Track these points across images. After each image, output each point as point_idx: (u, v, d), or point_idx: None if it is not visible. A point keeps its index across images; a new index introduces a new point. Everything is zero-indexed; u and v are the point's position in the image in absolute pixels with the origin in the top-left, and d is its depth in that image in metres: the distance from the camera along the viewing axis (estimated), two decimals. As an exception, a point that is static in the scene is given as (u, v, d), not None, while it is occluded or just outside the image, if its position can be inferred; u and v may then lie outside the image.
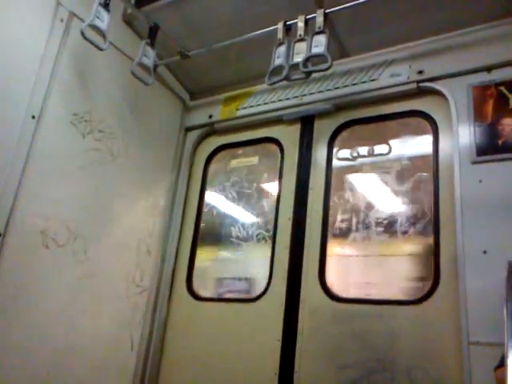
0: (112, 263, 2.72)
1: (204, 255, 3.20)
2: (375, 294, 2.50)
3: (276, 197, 2.96)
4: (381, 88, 2.72)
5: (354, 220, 2.67)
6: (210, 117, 3.35)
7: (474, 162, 2.28)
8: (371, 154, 2.77)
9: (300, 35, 2.50)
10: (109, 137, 2.74)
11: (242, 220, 3.15)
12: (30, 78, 2.29)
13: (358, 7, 2.46)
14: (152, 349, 2.92)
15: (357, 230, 2.65)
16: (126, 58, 2.84)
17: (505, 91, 2.33)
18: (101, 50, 2.49)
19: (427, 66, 2.59)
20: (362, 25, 2.72)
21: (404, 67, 2.66)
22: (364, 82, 2.77)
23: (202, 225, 3.24)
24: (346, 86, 2.83)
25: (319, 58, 2.42)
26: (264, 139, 3.18)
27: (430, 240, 2.38)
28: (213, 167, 3.38)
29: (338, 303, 2.49)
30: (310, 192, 2.80)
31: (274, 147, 3.12)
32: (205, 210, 3.29)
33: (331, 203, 2.75)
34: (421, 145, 2.67)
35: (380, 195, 2.73)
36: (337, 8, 2.47)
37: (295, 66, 2.46)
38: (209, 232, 3.28)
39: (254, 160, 3.25)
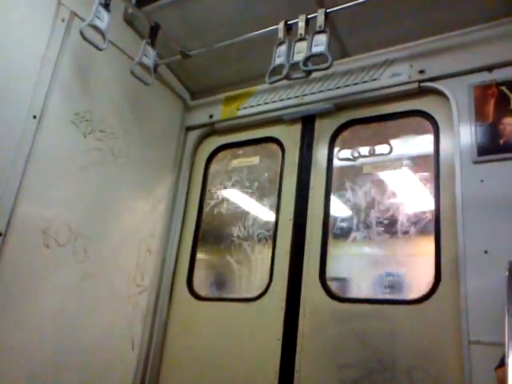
0: (113, 263, 2.72)
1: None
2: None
3: (277, 196, 2.95)
4: (382, 88, 2.71)
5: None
6: (211, 116, 3.35)
7: (476, 162, 2.28)
8: (372, 153, 2.77)
9: (301, 34, 2.50)
10: (110, 136, 2.74)
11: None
12: (31, 77, 2.30)
13: (358, 7, 2.46)
14: (153, 348, 2.92)
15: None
16: (126, 58, 2.85)
17: (506, 91, 2.33)
18: (100, 50, 2.50)
19: (428, 66, 2.59)
20: (363, 24, 2.72)
21: (405, 67, 2.66)
22: (365, 82, 2.77)
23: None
24: (346, 86, 2.83)
25: (320, 57, 2.42)
26: (265, 139, 3.18)
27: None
28: (213, 167, 3.38)
29: (339, 303, 2.49)
30: (310, 192, 2.80)
31: (275, 147, 3.12)
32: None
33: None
34: (422, 145, 2.67)
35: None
36: (338, 7, 2.47)
37: (296, 66, 2.46)
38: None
39: (255, 160, 3.26)
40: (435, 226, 2.38)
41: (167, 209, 3.19)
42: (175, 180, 3.28)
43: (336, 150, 2.87)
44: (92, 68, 2.66)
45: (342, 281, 2.77)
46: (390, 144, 2.73)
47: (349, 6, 2.45)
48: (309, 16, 2.51)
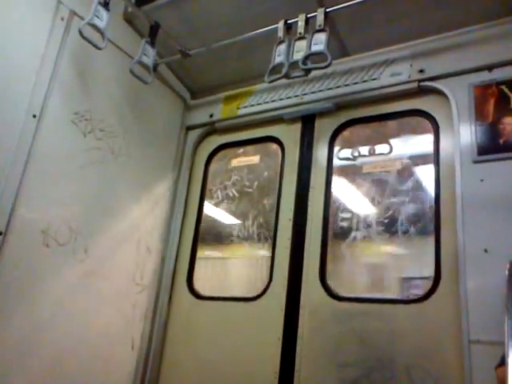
0: (112, 262, 2.72)
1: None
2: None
3: (277, 196, 2.95)
4: (382, 87, 2.71)
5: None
6: (211, 116, 3.35)
7: (475, 162, 2.28)
8: (372, 153, 2.77)
9: (300, 33, 2.50)
10: (110, 136, 2.74)
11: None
12: (30, 77, 2.29)
13: (358, 6, 2.46)
14: (152, 348, 2.92)
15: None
16: (126, 57, 2.84)
17: (506, 90, 2.33)
18: (99, 49, 2.49)
19: (428, 65, 2.59)
20: (363, 24, 2.72)
21: (405, 66, 2.66)
22: (365, 81, 2.77)
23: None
24: (346, 85, 2.83)
25: (319, 56, 2.42)
26: (265, 138, 3.18)
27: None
28: (213, 166, 3.38)
29: (339, 302, 2.49)
30: (310, 191, 2.80)
31: (275, 146, 3.12)
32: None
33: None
34: (422, 144, 2.67)
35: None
36: (337, 7, 2.47)
37: (295, 64, 2.46)
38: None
39: (255, 159, 3.26)
40: (435, 224, 2.38)
41: (167, 208, 3.19)
42: (175, 179, 3.28)
43: (336, 149, 2.87)
44: (92, 67, 2.66)
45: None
46: (389, 143, 2.73)
47: (348, 6, 2.46)
48: (308, 15, 2.51)
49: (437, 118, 2.56)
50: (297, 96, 3.00)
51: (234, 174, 3.31)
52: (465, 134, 2.35)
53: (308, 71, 2.50)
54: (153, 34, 2.86)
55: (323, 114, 2.93)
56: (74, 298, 2.46)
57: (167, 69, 3.27)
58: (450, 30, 2.56)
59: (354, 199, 2.84)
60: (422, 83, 2.59)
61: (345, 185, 2.88)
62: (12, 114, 2.20)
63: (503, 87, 2.34)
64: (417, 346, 2.20)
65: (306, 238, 2.70)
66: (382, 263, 2.81)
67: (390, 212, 2.63)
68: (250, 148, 3.30)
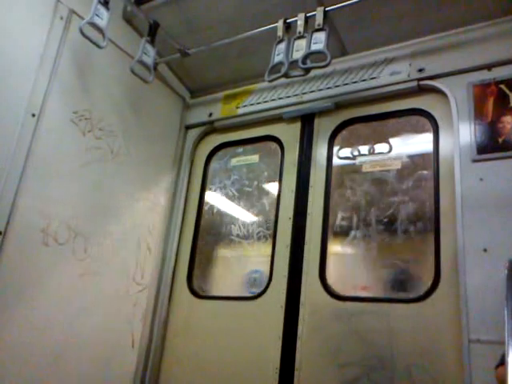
0: (112, 261, 2.72)
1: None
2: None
3: (276, 195, 2.95)
4: (381, 86, 2.71)
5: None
6: (211, 115, 3.35)
7: (475, 161, 2.28)
8: (372, 152, 2.77)
9: (300, 32, 2.49)
10: (109, 135, 2.74)
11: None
12: (29, 76, 2.29)
13: (358, 5, 2.46)
14: (153, 346, 2.92)
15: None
16: (126, 56, 2.84)
17: (505, 89, 2.33)
18: (99, 47, 2.49)
19: (427, 64, 2.59)
20: (362, 23, 2.71)
21: (404, 65, 2.66)
22: (364, 80, 2.77)
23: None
24: (346, 84, 2.83)
25: (319, 55, 2.42)
26: (264, 137, 3.18)
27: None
28: (213, 165, 3.38)
29: (339, 301, 2.49)
30: (310, 190, 2.80)
31: (275, 145, 3.12)
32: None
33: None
34: (421, 143, 2.67)
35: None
36: (337, 6, 2.47)
37: (295, 63, 2.45)
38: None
39: (255, 158, 3.25)
40: (435, 224, 2.38)
41: (167, 207, 3.19)
42: (175, 178, 3.28)
43: (336, 148, 2.87)
44: (91, 66, 2.65)
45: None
46: (389, 142, 2.73)
47: (348, 5, 2.45)
48: (308, 14, 2.51)
49: (436, 117, 2.56)
50: (296, 95, 3.00)
51: (234, 174, 3.31)
52: (464, 132, 2.35)
53: (307, 70, 2.50)
54: (152, 33, 2.86)
55: (323, 113, 2.93)
56: (74, 297, 2.46)
57: (166, 68, 3.27)
58: (449, 29, 2.57)
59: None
60: (422, 82, 2.59)
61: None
62: (11, 114, 2.20)
63: (502, 86, 2.34)
64: (417, 346, 2.20)
65: (305, 237, 2.70)
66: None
67: (390, 211, 2.63)
68: (249, 147, 3.29)
